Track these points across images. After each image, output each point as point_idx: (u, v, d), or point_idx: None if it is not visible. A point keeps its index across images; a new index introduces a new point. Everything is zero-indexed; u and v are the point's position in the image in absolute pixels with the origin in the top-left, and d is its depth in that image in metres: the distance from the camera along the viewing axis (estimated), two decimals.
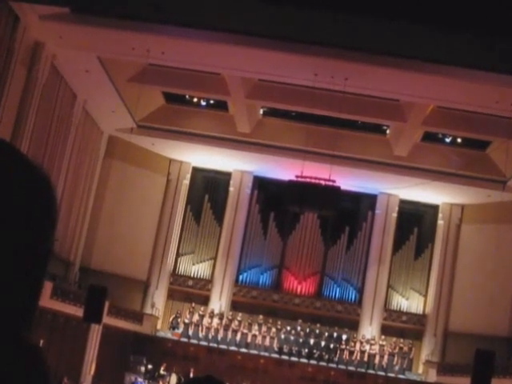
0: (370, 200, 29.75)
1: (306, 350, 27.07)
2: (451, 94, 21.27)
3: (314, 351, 27.10)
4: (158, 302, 28.92)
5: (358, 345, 27.47)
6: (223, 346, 27.01)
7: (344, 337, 27.81)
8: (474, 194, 27.37)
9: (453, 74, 19.89)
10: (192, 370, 25.86)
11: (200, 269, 29.85)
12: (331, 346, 27.31)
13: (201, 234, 29.99)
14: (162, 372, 26.24)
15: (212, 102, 26.99)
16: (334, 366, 26.88)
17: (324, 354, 27.04)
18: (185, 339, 27.18)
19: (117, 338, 25.71)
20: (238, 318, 27.80)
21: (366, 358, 26.97)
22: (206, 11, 15.89)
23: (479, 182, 26.55)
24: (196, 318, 27.76)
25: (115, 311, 25.85)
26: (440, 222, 29.57)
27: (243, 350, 27.03)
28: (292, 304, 29.10)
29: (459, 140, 26.41)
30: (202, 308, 28.27)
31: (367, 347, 27.39)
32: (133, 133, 26.33)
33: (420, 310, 29.30)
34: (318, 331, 27.91)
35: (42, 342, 20.96)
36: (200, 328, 27.40)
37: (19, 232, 0.96)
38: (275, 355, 27.04)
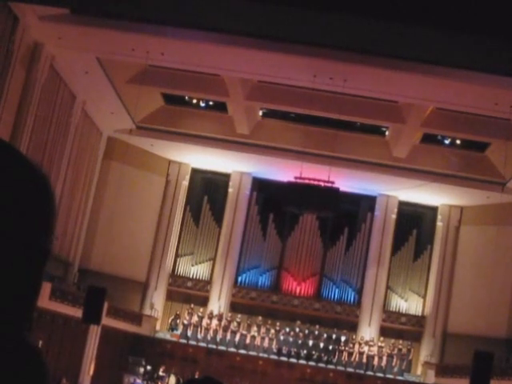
0: (369, 201, 29.73)
1: (305, 352, 27.04)
2: (450, 96, 21.28)
3: (313, 352, 27.08)
4: (156, 303, 28.89)
5: (356, 346, 27.46)
6: (222, 348, 26.98)
7: (343, 338, 27.78)
8: (473, 195, 27.36)
9: (452, 76, 19.90)
10: (192, 372, 25.82)
11: (199, 270, 29.82)
12: (330, 347, 27.30)
13: (200, 235, 29.97)
14: (160, 373, 26.22)
15: (211, 103, 26.97)
16: (332, 367, 26.86)
17: (323, 355, 27.02)
18: (184, 340, 27.16)
19: (116, 339, 25.70)
20: (237, 319, 27.78)
21: (364, 360, 26.95)
22: (205, 12, 15.89)
23: (478, 183, 26.55)
24: (195, 319, 27.74)
25: (114, 312, 25.82)
26: (439, 224, 29.56)
27: (242, 351, 27.00)
28: (291, 305, 29.08)
29: (458, 141, 26.41)
30: (201, 309, 28.24)
31: (366, 348, 27.36)
32: (132, 134, 26.33)
33: (419, 312, 29.28)
34: (316, 332, 27.89)
35: (40, 342, 20.95)
36: (199, 329, 27.38)
37: (17, 231, 0.96)
38: (274, 356, 27.02)
